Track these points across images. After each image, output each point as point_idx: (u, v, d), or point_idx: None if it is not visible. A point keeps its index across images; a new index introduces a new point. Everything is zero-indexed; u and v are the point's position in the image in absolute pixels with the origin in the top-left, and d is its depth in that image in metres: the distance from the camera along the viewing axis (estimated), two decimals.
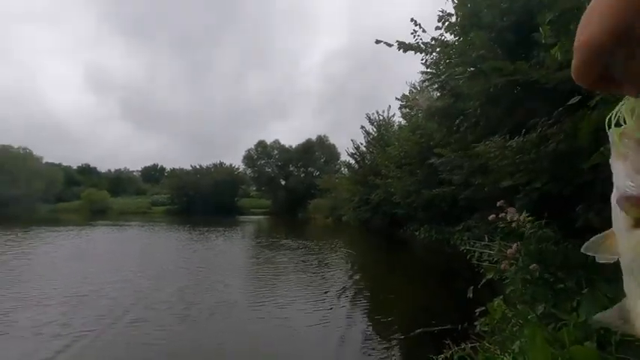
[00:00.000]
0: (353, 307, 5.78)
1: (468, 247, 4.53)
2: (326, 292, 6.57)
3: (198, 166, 50.92)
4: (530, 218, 2.93)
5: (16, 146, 52.43)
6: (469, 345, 2.76)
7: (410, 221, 16.21)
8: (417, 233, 15.16)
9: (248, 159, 51.79)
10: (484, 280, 3.32)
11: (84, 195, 50.38)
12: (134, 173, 74.49)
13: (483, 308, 3.71)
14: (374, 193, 18.14)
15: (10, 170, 48.57)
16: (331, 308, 5.64)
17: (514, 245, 2.90)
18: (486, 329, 3.29)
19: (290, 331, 4.77)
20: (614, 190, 0.33)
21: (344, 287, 6.95)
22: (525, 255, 2.89)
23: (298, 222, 31.10)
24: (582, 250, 0.37)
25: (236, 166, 52.81)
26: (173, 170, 56.83)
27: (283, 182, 50.17)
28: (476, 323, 3.65)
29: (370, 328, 4.88)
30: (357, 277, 8.25)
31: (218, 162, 52.34)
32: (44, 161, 55.88)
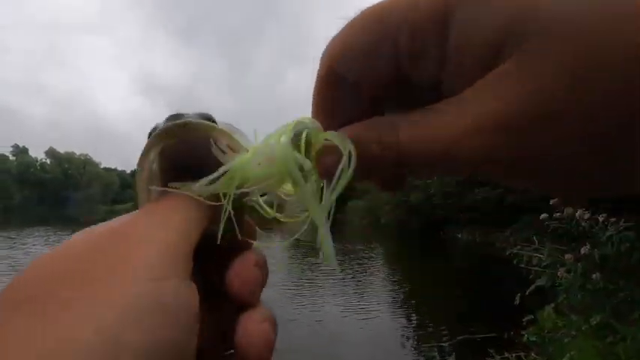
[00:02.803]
0: (391, 312, 5.65)
1: (515, 251, 4.24)
2: (362, 297, 6.50)
3: None
4: (612, 219, 2.59)
5: (78, 153, 57.73)
6: (514, 355, 2.58)
7: (450, 223, 15.61)
8: (459, 236, 14.56)
9: None
10: (533, 287, 3.08)
11: None
12: None
13: (532, 317, 3.45)
14: (412, 194, 17.70)
15: (73, 175, 53.56)
16: (368, 311, 5.57)
17: (583, 248, 2.59)
18: (534, 339, 3.06)
19: (324, 336, 4.75)
20: None
21: (384, 295, 6.82)
22: (586, 260, 2.61)
23: (337, 223, 31.13)
24: None
25: None
26: None
27: None
28: (523, 332, 3.41)
29: (409, 334, 4.74)
30: (395, 280, 8.07)
31: None
32: (102, 166, 60.98)
